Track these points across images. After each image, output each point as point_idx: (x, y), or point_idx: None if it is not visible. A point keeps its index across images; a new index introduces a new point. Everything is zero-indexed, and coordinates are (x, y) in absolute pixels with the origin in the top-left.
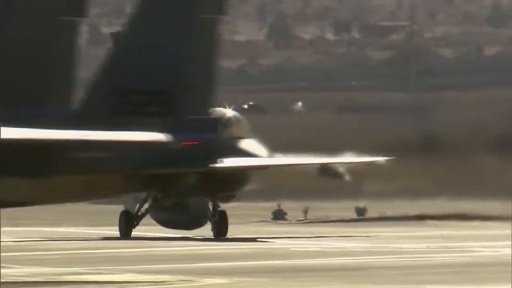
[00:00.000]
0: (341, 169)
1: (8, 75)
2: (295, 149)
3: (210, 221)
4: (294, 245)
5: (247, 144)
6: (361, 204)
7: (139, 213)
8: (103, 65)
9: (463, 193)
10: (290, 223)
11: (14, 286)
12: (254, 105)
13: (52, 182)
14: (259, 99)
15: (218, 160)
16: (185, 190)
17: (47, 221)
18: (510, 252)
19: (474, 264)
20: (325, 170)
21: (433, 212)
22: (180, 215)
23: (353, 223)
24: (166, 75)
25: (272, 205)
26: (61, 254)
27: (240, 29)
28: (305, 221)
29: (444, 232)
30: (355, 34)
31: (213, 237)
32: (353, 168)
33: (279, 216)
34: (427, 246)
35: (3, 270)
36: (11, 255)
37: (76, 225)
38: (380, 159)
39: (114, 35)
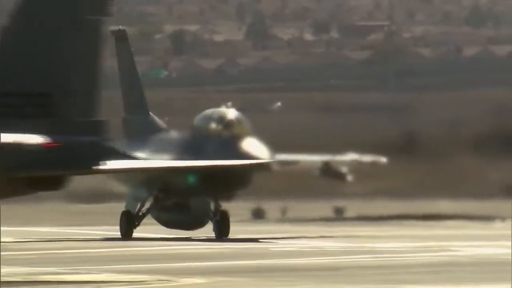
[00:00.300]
0: (343, 170)
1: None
2: (275, 149)
3: (211, 221)
4: (273, 244)
5: (247, 144)
6: (340, 203)
7: (140, 213)
8: None
9: (441, 193)
10: (269, 223)
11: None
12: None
13: None
14: (237, 99)
15: (101, 163)
16: (185, 190)
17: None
18: (510, 252)
19: (453, 264)
20: (327, 170)
21: (412, 212)
22: (181, 215)
23: (331, 223)
24: (46, 76)
25: (251, 205)
26: (39, 254)
27: (219, 29)
28: (283, 220)
29: (423, 232)
30: (334, 34)
31: (214, 237)
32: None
33: (258, 215)
34: (404, 246)
35: None
36: None
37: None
38: (381, 159)
39: (115, 33)
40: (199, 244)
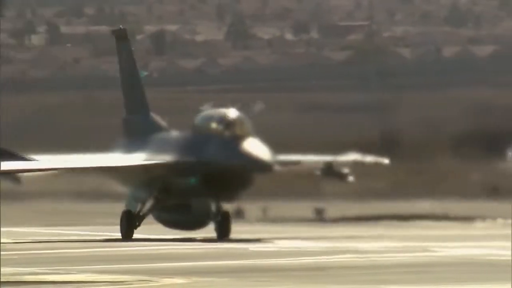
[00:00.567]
0: (345, 170)
1: None
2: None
3: (213, 222)
4: (253, 245)
5: (249, 144)
6: (320, 204)
7: (141, 214)
8: None
9: (422, 193)
10: (250, 223)
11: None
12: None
13: None
14: (218, 99)
15: None
16: (187, 190)
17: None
18: (491, 252)
19: (433, 264)
20: (329, 171)
21: (392, 212)
22: (182, 215)
23: (311, 224)
24: None
25: (231, 205)
26: (20, 254)
27: (199, 29)
28: (264, 220)
29: (403, 233)
30: (314, 34)
31: (216, 238)
32: (313, 169)
33: (238, 215)
34: (385, 246)
35: None
36: None
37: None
38: (383, 160)
39: (115, 32)
40: (179, 244)
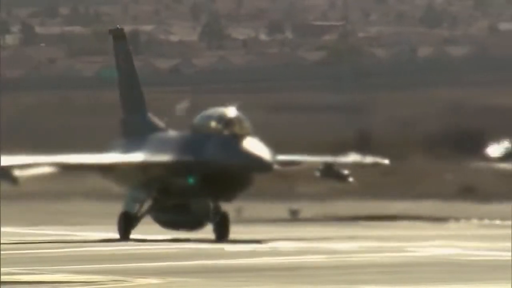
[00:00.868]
0: (345, 171)
1: None
2: None
3: (211, 223)
4: (227, 244)
5: (248, 143)
6: (295, 205)
7: (139, 214)
8: None
9: (396, 193)
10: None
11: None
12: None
13: None
14: (192, 99)
15: None
16: (185, 191)
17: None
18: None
19: (408, 264)
20: (328, 171)
21: (367, 212)
22: (181, 216)
23: (286, 224)
24: None
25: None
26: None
27: (173, 29)
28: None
29: (378, 233)
30: (289, 34)
31: (214, 239)
32: (287, 170)
33: None
34: (360, 246)
35: None
36: None
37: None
38: (383, 161)
39: (113, 31)
40: (154, 244)
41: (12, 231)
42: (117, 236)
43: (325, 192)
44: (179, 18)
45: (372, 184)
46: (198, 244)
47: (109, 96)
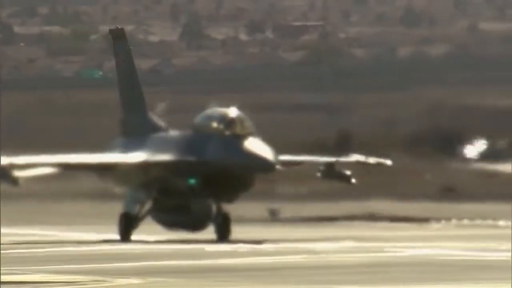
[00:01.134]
0: (348, 172)
1: None
2: None
3: (213, 223)
4: (208, 245)
5: (250, 143)
6: (275, 205)
7: (140, 215)
8: None
9: (375, 193)
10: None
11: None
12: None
13: None
14: (172, 99)
15: None
16: (187, 192)
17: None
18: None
19: (389, 264)
20: (330, 172)
21: (347, 213)
22: (182, 216)
23: (266, 224)
24: None
25: None
26: None
27: (153, 30)
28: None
29: (358, 233)
30: (269, 34)
31: (216, 239)
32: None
33: None
34: (339, 247)
35: None
36: None
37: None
38: (386, 161)
39: (112, 31)
40: (134, 244)
41: (10, 232)
42: (117, 236)
43: (305, 192)
44: (159, 19)
45: (352, 184)
46: (179, 245)
47: (89, 96)
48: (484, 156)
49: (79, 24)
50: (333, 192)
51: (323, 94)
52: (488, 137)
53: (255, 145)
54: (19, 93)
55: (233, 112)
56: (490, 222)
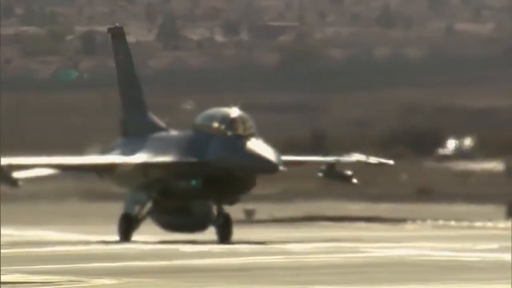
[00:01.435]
0: (349, 172)
1: None
2: None
3: (214, 225)
4: (183, 245)
5: (253, 144)
6: (250, 206)
7: (140, 216)
8: None
9: (351, 194)
10: None
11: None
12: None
13: None
14: (148, 99)
15: None
16: (188, 193)
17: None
18: None
19: (364, 265)
20: (331, 172)
21: (322, 213)
22: (182, 218)
23: (241, 225)
24: None
25: None
26: None
27: (129, 30)
28: None
29: (333, 233)
30: (244, 35)
31: (217, 241)
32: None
33: None
34: (315, 247)
35: None
36: None
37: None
38: (388, 161)
39: (111, 30)
40: (109, 244)
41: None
42: (116, 237)
43: (280, 193)
44: (134, 19)
45: (327, 185)
46: (154, 245)
47: (66, 97)
48: (459, 157)
49: (55, 24)
50: (308, 193)
51: (299, 95)
52: (463, 138)
53: (258, 146)
54: None
55: (235, 112)
56: (465, 223)
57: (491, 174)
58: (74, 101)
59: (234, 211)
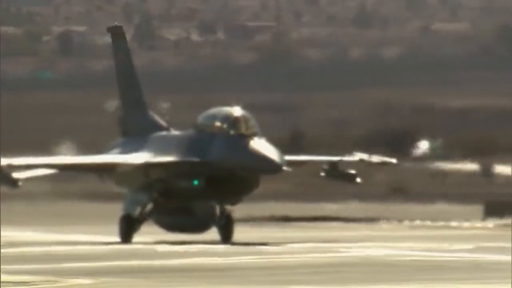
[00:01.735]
0: (352, 171)
1: None
2: None
3: (216, 225)
4: (159, 245)
5: (256, 143)
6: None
7: (141, 217)
8: None
9: (327, 194)
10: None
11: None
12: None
13: None
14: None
15: None
16: (190, 193)
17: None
18: (400, 253)
19: (340, 264)
20: (334, 171)
21: (298, 213)
22: (184, 218)
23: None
24: None
25: None
26: None
27: (105, 30)
28: None
29: (310, 233)
30: (221, 35)
31: (220, 241)
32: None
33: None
34: (291, 247)
35: None
36: None
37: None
38: (390, 160)
39: (111, 29)
40: (86, 244)
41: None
42: (117, 238)
43: (256, 193)
44: (111, 19)
45: (302, 185)
46: (132, 245)
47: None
48: (435, 157)
49: (32, 24)
50: (284, 192)
51: (276, 95)
52: (439, 138)
53: (261, 146)
54: None
55: (237, 111)
56: (441, 223)
57: (467, 174)
58: (49, 101)
59: None
